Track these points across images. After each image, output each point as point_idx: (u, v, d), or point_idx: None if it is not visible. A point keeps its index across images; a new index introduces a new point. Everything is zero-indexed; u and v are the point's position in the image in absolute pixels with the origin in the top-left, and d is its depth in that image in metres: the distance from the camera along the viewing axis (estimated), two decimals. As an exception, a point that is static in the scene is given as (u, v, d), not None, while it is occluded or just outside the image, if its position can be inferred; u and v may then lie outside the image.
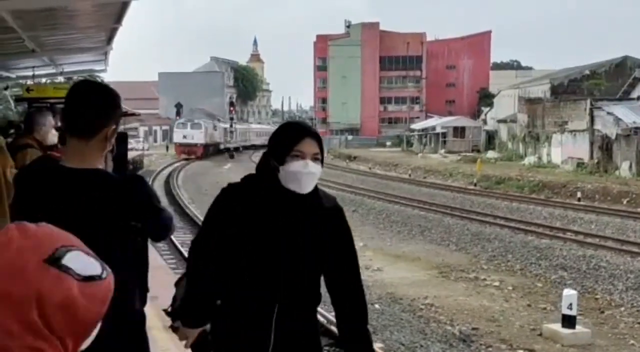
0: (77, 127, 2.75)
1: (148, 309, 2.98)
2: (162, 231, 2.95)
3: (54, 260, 1.22)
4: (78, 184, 2.67)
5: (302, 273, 2.75)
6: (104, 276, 1.27)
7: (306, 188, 2.75)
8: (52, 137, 5.92)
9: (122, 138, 3.36)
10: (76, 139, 2.75)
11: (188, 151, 61.70)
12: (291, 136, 2.78)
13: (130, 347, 2.73)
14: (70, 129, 2.80)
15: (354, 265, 2.90)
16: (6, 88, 16.26)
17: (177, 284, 3.00)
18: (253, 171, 2.89)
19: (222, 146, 70.90)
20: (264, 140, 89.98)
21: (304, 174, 2.72)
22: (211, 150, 66.44)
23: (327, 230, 2.81)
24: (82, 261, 1.26)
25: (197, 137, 63.49)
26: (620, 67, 56.72)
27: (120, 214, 2.68)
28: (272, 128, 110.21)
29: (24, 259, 1.20)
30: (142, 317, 2.87)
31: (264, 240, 2.71)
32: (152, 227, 2.85)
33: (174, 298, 2.96)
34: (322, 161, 2.82)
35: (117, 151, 3.19)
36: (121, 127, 3.15)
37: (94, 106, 2.74)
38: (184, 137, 63.55)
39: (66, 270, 1.22)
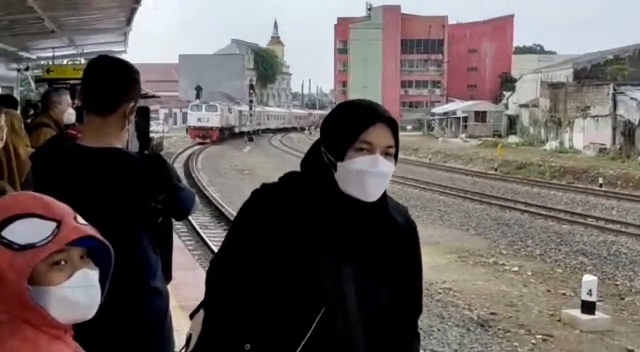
0: (96, 103, 2.71)
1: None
2: (182, 209, 2.88)
3: None
4: (95, 163, 2.62)
5: (374, 312, 2.01)
6: (42, 243, 1.27)
7: (373, 194, 2.00)
8: (69, 116, 5.87)
9: (144, 113, 3.28)
10: (94, 116, 2.71)
11: (203, 135, 57.58)
12: (356, 121, 1.96)
13: (145, 326, 2.69)
14: (88, 105, 2.76)
15: (417, 301, 2.20)
16: (27, 69, 16.33)
17: (192, 316, 2.20)
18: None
19: (237, 130, 66.77)
20: (279, 124, 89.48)
21: (371, 175, 1.95)
22: (226, 134, 62.69)
23: (400, 252, 2.08)
24: (27, 228, 1.27)
25: (213, 120, 59.06)
26: (645, 52, 55.99)
27: (139, 194, 2.64)
28: (287, 111, 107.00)
29: None
30: (164, 295, 2.78)
31: (310, 261, 1.95)
32: (172, 206, 2.80)
33: (189, 336, 2.17)
34: (396, 157, 2.03)
35: (139, 127, 3.13)
36: (141, 106, 3.08)
37: (112, 81, 2.69)
38: (199, 120, 59.04)
39: (2, 241, 1.25)
